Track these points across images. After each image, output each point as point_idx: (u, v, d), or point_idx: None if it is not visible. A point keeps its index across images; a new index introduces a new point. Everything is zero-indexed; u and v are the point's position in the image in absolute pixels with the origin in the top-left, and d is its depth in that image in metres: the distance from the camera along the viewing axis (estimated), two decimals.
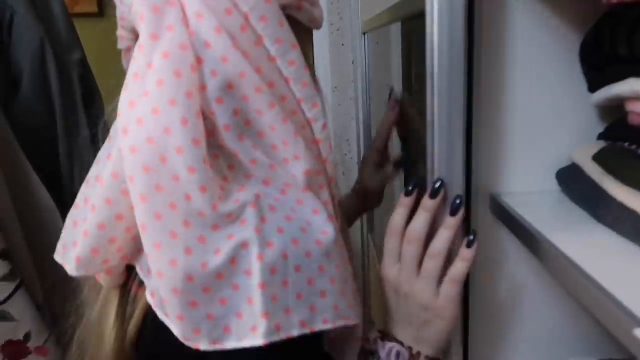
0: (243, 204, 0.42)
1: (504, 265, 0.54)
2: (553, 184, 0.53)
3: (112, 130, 0.45)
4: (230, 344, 0.41)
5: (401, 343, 0.51)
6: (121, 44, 0.50)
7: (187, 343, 0.40)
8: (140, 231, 0.40)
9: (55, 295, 0.90)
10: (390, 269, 0.50)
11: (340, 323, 0.43)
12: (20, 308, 0.78)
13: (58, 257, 0.47)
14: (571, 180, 0.50)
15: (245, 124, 0.43)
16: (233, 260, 0.40)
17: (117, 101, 0.44)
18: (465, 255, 0.48)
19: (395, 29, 1.08)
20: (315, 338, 0.44)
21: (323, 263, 0.43)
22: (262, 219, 0.42)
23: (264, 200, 0.43)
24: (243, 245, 0.40)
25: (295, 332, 0.40)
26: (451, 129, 0.46)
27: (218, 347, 0.41)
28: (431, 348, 0.50)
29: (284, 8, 0.45)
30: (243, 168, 0.43)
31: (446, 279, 0.48)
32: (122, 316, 0.49)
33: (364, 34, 1.00)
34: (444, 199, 0.48)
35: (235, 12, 0.42)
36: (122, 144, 0.40)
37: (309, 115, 0.47)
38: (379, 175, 0.82)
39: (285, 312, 0.41)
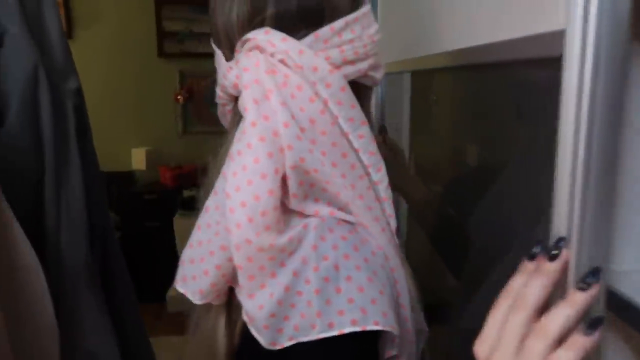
0: (308, 229, 0.54)
1: None
2: None
3: (217, 186, 0.58)
4: (301, 339, 0.51)
5: None
6: (218, 100, 0.62)
7: (274, 348, 0.52)
8: (237, 271, 0.54)
9: None
10: (483, 344, 0.41)
11: (388, 328, 0.50)
12: None
13: (179, 287, 0.61)
14: None
15: (310, 186, 0.55)
16: (295, 273, 0.52)
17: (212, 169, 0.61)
18: (578, 343, 0.36)
19: (407, 78, 1.03)
20: (371, 344, 0.53)
21: (371, 276, 0.52)
22: (322, 237, 0.53)
23: (326, 224, 0.54)
24: (303, 261, 0.52)
25: (347, 329, 0.49)
26: (601, 191, 0.38)
27: (293, 342, 0.51)
28: None
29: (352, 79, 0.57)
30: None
31: None
32: (230, 325, 0.61)
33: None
34: (566, 263, 0.40)
35: (317, 100, 0.53)
36: (226, 204, 0.53)
37: (375, 178, 0.57)
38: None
39: (338, 314, 0.50)
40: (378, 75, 0.61)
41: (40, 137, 0.74)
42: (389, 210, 0.58)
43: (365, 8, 0.58)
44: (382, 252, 0.55)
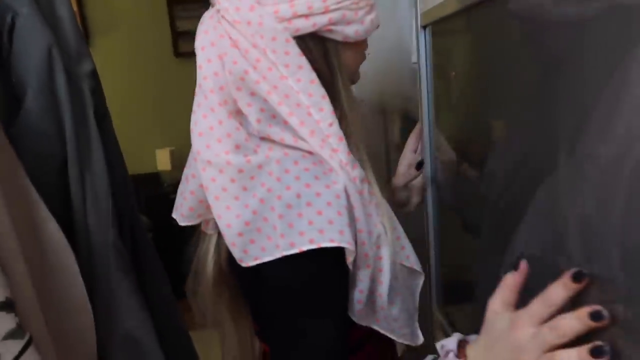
0: (271, 159, 0.62)
1: None
2: None
3: None
4: (266, 258, 0.60)
5: None
6: None
7: (241, 264, 0.62)
8: (205, 191, 0.64)
9: None
10: (528, 328, 0.48)
11: (344, 244, 0.59)
12: None
13: (173, 214, 0.76)
14: None
15: (272, 117, 0.64)
16: (262, 200, 0.60)
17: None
18: (583, 357, 0.43)
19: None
20: (335, 261, 0.61)
21: (331, 200, 0.60)
22: (286, 170, 0.61)
23: (291, 158, 0.63)
24: (269, 190, 0.61)
25: (305, 247, 0.58)
26: None
27: (259, 261, 0.61)
28: None
29: (311, 34, 0.64)
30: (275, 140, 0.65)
31: (548, 354, 0.46)
32: (218, 249, 0.74)
33: (424, 27, 0.87)
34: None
35: (252, 50, 0.61)
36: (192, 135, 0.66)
37: (316, 117, 0.63)
38: (410, 174, 0.99)
39: (300, 234, 0.58)
40: (349, 30, 0.65)
41: (60, 119, 0.74)
42: (335, 144, 0.64)
43: None
44: (343, 181, 0.62)
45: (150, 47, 3.21)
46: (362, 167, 0.70)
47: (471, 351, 0.54)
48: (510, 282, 0.53)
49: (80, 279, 0.74)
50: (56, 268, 0.71)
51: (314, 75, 0.63)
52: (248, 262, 0.61)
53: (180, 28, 3.19)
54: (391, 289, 0.68)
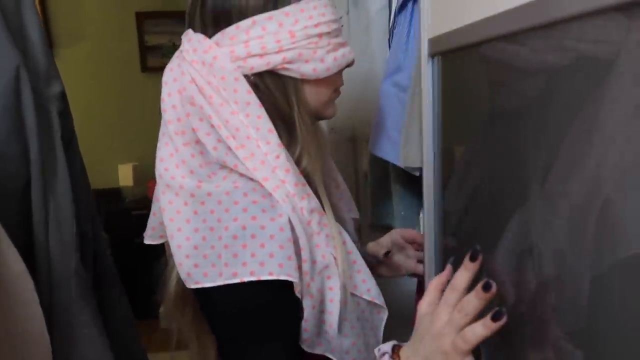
0: (222, 190, 0.65)
1: None
2: None
3: None
4: (207, 284, 0.63)
5: None
6: None
7: (185, 283, 0.66)
8: (162, 213, 0.68)
9: None
10: (444, 316, 0.57)
11: (283, 277, 0.62)
12: None
13: (144, 234, 0.80)
14: None
15: (229, 147, 0.67)
16: (212, 229, 0.63)
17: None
18: (487, 324, 0.52)
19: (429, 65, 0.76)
20: (280, 292, 0.65)
21: (274, 234, 0.62)
22: (235, 202, 0.64)
23: (240, 190, 0.66)
24: (218, 220, 0.64)
25: (246, 279, 0.61)
26: None
27: (199, 286, 0.64)
28: None
29: (269, 71, 0.68)
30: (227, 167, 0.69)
31: (460, 332, 0.54)
32: None
33: (433, 57, 0.76)
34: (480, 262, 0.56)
35: (207, 87, 0.66)
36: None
37: (264, 150, 0.67)
38: (396, 259, 0.99)
39: (243, 265, 0.61)
40: (306, 68, 0.67)
41: (26, 142, 0.72)
42: (282, 176, 0.67)
43: (292, 7, 0.65)
44: (287, 213, 0.65)
45: (116, 61, 3.15)
46: (320, 198, 0.72)
47: (403, 352, 0.62)
48: (435, 284, 0.61)
49: (39, 309, 0.71)
50: (13, 298, 0.68)
51: (261, 111, 0.67)
52: (190, 284, 0.64)
53: (149, 42, 3.16)
54: (342, 320, 0.69)
